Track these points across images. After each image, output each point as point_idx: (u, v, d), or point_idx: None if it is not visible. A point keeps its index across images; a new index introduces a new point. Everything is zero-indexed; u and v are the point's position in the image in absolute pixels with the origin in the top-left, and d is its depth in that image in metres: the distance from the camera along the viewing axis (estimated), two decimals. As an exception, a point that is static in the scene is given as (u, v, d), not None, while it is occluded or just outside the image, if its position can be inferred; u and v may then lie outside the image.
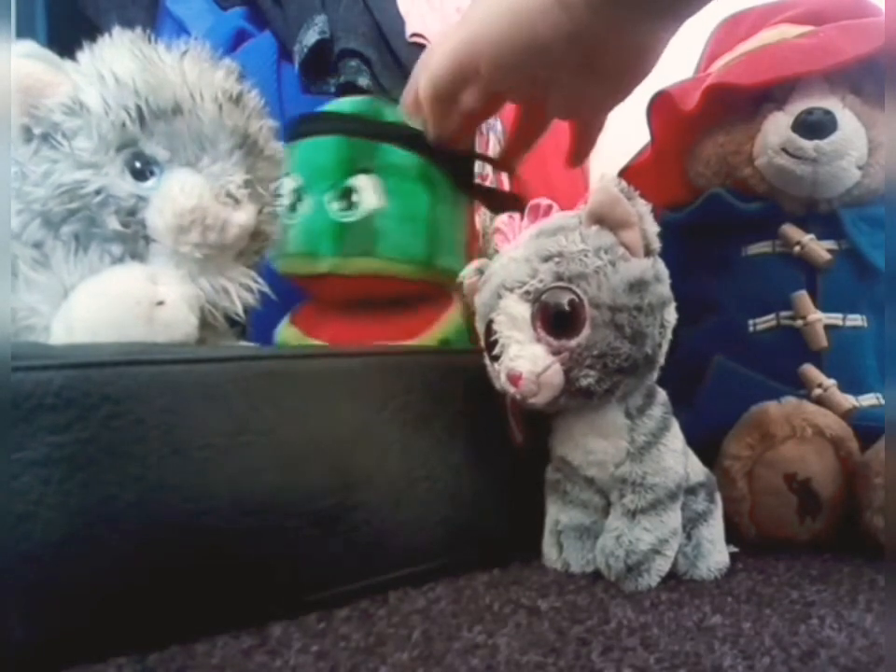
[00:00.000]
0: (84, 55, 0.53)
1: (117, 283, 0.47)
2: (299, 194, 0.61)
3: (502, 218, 0.51)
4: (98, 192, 0.49)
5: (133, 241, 0.50)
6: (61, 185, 0.49)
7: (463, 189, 0.65)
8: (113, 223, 0.49)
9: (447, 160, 0.62)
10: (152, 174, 0.51)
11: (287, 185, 0.61)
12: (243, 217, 0.52)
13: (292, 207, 0.61)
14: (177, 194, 0.49)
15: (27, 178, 0.50)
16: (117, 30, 0.54)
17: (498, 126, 0.84)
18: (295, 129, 0.64)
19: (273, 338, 0.67)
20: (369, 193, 0.60)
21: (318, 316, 0.66)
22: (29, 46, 0.51)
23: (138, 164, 0.50)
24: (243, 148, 0.53)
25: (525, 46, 0.46)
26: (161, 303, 0.47)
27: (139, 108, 0.49)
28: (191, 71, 0.53)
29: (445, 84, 0.51)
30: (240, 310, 0.53)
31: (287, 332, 0.66)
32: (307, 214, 0.61)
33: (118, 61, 0.51)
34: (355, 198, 0.60)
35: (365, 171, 0.60)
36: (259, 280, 0.56)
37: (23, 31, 0.82)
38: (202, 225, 0.49)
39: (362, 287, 0.61)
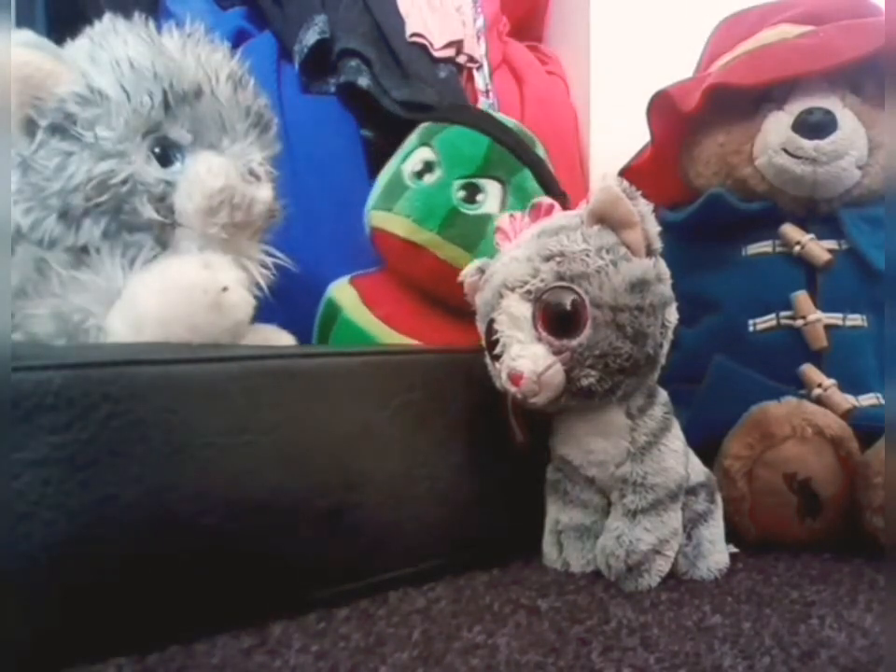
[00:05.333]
0: (81, 43, 0.52)
1: (180, 275, 0.47)
2: (430, 166, 0.65)
3: (503, 217, 0.51)
4: (125, 181, 0.49)
5: (162, 228, 0.50)
6: (90, 178, 0.48)
7: None
8: (148, 211, 0.49)
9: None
10: (175, 158, 0.51)
11: (421, 155, 0.65)
12: (265, 193, 0.53)
13: (418, 175, 0.65)
14: (206, 176, 0.50)
15: (37, 173, 0.49)
16: (108, 16, 0.53)
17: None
18: (450, 112, 0.68)
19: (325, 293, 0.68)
20: (493, 199, 0.64)
21: (384, 288, 0.67)
22: (26, 35, 0.50)
23: (161, 150, 0.50)
24: (258, 127, 0.55)
25: None
26: (225, 289, 0.47)
27: (164, 93, 0.49)
28: (202, 53, 0.53)
29: None
30: (263, 285, 0.54)
31: (341, 290, 0.68)
32: (432, 187, 0.64)
33: (128, 46, 0.51)
34: (479, 196, 0.64)
35: (499, 180, 0.64)
36: (275, 252, 0.56)
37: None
38: (230, 205, 0.50)
39: (444, 276, 0.61)
